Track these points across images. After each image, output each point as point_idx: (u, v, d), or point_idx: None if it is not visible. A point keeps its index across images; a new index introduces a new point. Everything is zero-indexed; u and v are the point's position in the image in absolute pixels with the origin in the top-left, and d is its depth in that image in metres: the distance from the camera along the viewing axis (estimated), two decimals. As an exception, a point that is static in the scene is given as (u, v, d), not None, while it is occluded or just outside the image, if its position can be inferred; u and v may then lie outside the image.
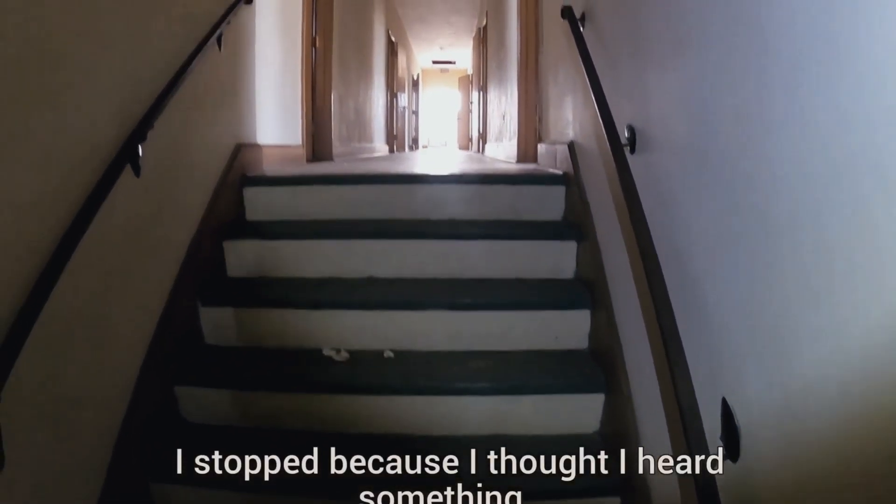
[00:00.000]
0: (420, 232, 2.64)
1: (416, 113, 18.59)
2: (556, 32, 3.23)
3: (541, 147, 3.78)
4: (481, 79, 10.56)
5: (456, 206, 2.90)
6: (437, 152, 14.51)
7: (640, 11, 1.81)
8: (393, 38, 11.95)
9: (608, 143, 1.80)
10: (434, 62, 19.88)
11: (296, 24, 4.91)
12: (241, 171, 2.91)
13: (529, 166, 4.20)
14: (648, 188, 1.61)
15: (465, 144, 16.94)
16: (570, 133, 2.86)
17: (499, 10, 7.40)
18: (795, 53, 0.95)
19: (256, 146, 3.20)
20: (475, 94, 12.55)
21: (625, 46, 2.00)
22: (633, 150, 1.81)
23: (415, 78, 18.53)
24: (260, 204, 2.91)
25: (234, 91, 2.91)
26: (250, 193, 2.91)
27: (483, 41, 10.13)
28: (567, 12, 2.50)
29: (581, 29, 2.38)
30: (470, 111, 15.59)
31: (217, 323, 2.37)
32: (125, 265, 1.88)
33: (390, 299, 2.35)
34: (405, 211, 2.89)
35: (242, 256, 2.64)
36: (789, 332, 0.95)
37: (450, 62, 19.64)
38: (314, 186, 2.96)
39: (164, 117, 2.05)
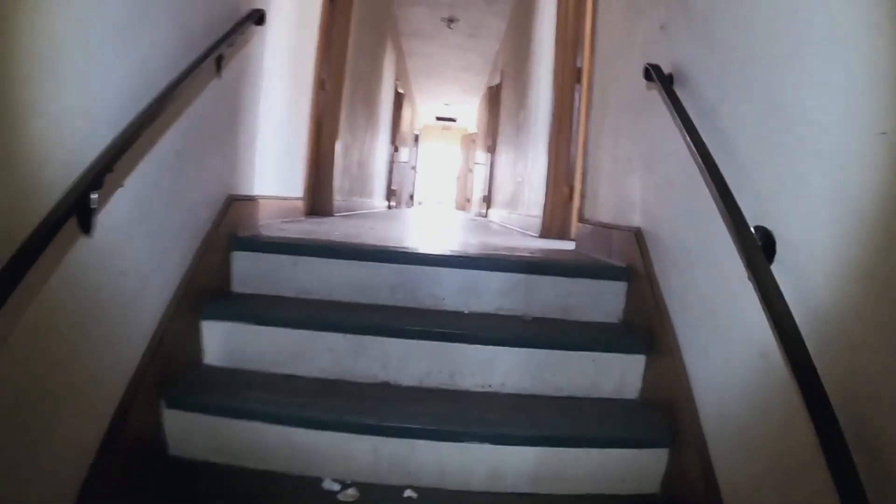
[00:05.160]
0: (449, 334, 2.09)
1: (414, 169, 18.36)
2: (617, 97, 2.77)
3: (583, 227, 3.25)
4: (490, 139, 10.25)
5: (492, 297, 2.36)
6: (436, 212, 14.10)
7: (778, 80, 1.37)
8: (400, 90, 11.66)
9: (740, 249, 1.36)
10: (438, 118, 19.81)
11: (306, 61, 4.47)
12: (230, 229, 2.35)
13: (562, 245, 3.72)
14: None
15: (463, 205, 16.66)
16: (636, 218, 2.35)
17: (520, 70, 7.06)
18: None
19: (252, 200, 2.65)
20: (481, 155, 12.27)
21: (746, 124, 1.55)
22: (771, 259, 1.34)
23: (416, 133, 18.37)
24: (251, 274, 2.37)
25: (231, 129, 2.38)
26: (240, 259, 2.36)
27: (496, 101, 9.84)
28: (655, 72, 2.04)
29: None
30: (470, 171, 15.33)
31: (185, 430, 1.80)
32: (66, 354, 1.36)
33: (413, 426, 1.78)
34: (431, 298, 2.35)
35: (225, 342, 2.08)
36: None
37: (451, 119, 19.53)
38: (319, 259, 2.39)
39: (132, 159, 1.54)
